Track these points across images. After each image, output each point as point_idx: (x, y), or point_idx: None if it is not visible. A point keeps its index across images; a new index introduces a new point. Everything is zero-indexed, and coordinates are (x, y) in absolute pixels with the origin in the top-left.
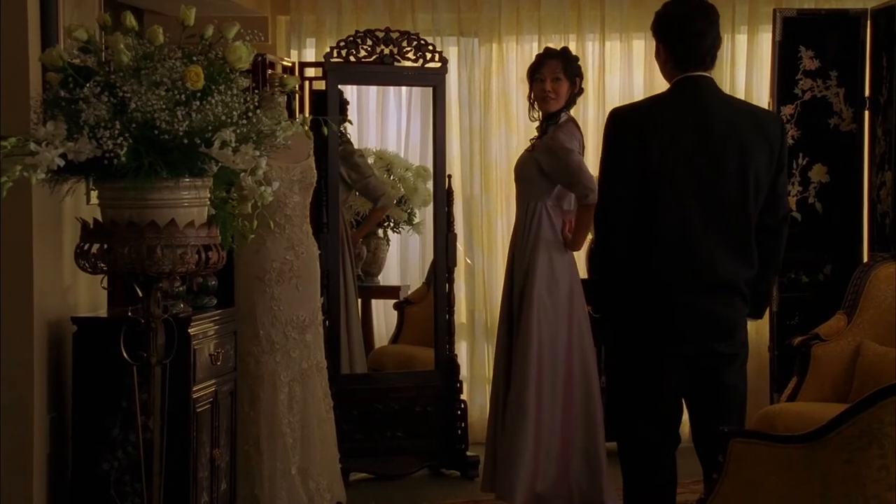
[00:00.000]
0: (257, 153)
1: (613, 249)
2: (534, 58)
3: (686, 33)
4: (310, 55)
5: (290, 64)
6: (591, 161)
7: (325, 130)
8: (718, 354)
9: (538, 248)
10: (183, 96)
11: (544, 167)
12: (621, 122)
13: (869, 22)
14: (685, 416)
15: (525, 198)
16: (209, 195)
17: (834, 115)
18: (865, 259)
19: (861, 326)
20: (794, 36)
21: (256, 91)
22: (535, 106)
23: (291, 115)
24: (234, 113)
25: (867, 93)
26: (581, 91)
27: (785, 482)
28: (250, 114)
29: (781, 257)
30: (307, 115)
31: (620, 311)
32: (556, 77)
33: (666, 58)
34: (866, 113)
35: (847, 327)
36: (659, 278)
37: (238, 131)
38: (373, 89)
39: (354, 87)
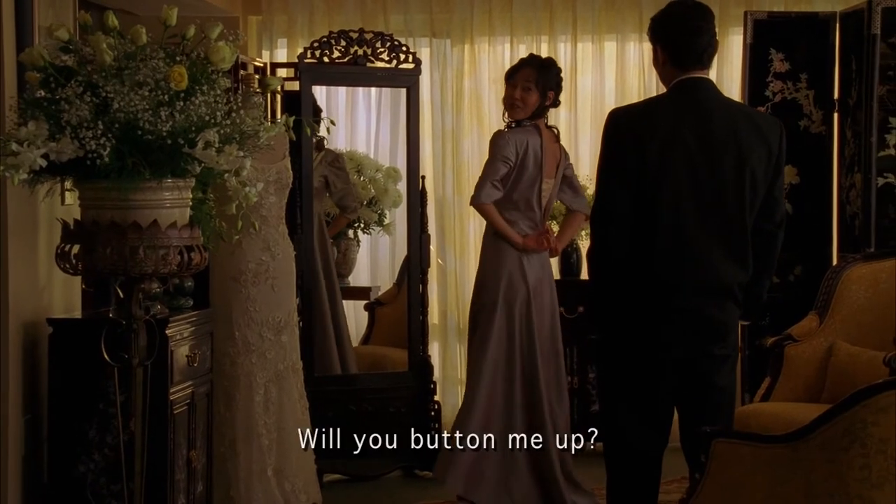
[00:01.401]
0: (241, 154)
1: (611, 250)
2: (513, 60)
3: (683, 31)
4: (281, 56)
5: (261, 64)
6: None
7: (308, 131)
8: (711, 357)
9: (485, 250)
10: (166, 96)
11: None
12: (619, 122)
13: (838, 25)
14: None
15: None
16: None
17: (804, 117)
18: (835, 260)
19: (833, 327)
20: (764, 38)
21: (239, 91)
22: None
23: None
24: (218, 113)
25: (836, 95)
26: (556, 104)
27: (767, 482)
28: (234, 114)
29: (776, 261)
30: (279, 116)
31: (615, 312)
32: (526, 86)
33: (664, 59)
34: (835, 115)
35: (819, 328)
36: (655, 281)
37: (221, 132)
38: (342, 90)
39: (324, 87)
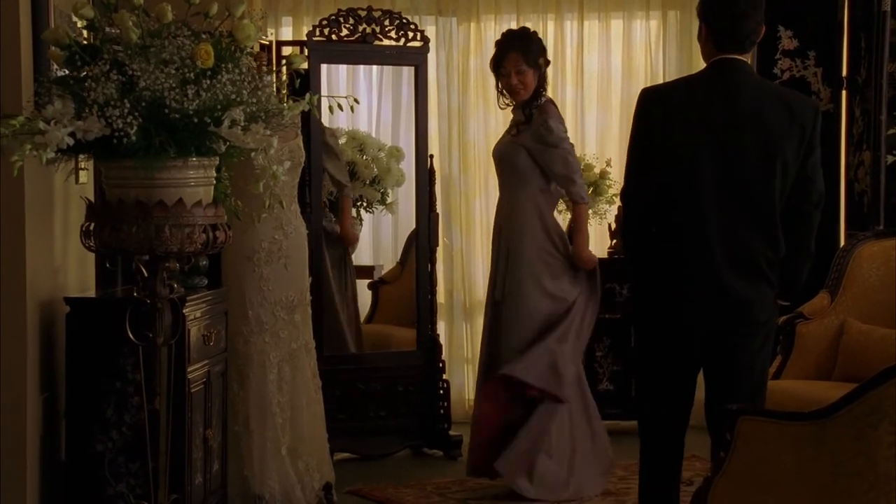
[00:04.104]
0: (268, 132)
1: (642, 224)
2: (494, 45)
3: (728, 14)
4: (286, 34)
5: (267, 42)
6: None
7: (332, 110)
8: (738, 334)
9: (524, 258)
10: (192, 74)
11: (539, 160)
12: (649, 101)
13: (847, 2)
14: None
15: (511, 187)
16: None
17: (812, 94)
18: (842, 238)
19: (845, 305)
20: (773, 15)
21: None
22: (505, 94)
23: None
24: (244, 91)
25: (845, 73)
26: (548, 62)
27: (793, 460)
28: (259, 92)
29: (813, 241)
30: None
31: (644, 287)
32: (519, 70)
33: (706, 38)
34: (844, 93)
35: (831, 305)
36: (679, 256)
37: (247, 110)
38: (343, 69)
39: (323, 65)
